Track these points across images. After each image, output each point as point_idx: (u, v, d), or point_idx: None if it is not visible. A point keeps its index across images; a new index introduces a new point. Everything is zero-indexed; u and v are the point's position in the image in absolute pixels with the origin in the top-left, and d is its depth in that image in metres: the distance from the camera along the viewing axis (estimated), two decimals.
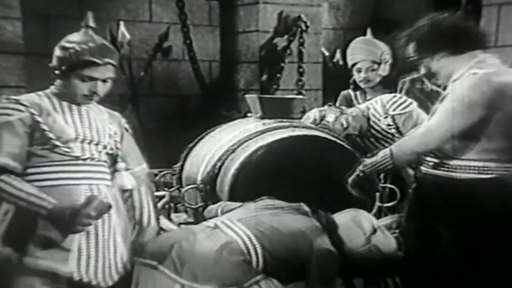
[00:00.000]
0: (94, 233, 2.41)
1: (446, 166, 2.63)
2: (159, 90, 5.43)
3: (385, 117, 3.44)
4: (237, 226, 2.57)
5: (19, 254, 2.33)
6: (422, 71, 2.74)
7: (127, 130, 2.67)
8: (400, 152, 2.71)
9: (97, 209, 2.32)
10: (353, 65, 3.86)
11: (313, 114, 3.75)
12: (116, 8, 5.19)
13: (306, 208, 2.73)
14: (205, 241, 2.50)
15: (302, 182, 3.01)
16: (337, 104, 3.98)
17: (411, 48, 2.70)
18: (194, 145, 3.51)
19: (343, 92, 4.07)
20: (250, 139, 3.17)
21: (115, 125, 2.61)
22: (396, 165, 2.75)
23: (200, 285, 2.40)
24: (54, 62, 2.45)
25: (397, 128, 3.44)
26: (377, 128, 3.48)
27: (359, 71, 3.85)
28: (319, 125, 3.57)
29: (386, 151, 2.74)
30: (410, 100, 3.58)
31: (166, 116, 5.35)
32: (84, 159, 2.43)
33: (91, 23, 2.52)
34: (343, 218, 2.71)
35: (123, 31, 4.95)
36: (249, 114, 3.60)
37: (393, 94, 3.61)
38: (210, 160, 3.21)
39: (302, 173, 3.05)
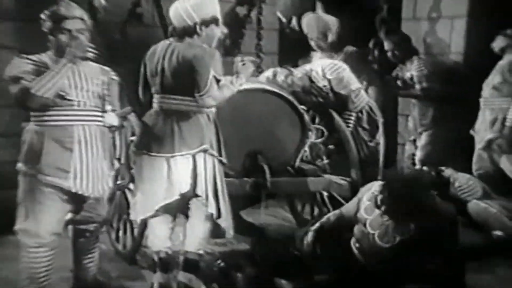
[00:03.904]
0: (85, 159, 3.24)
1: None
2: (135, 54, 5.89)
3: (322, 79, 4.35)
4: None
5: (35, 172, 3.18)
6: None
7: (114, 79, 3.48)
8: None
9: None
10: None
11: (268, 73, 4.59)
12: None
13: None
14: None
15: (253, 123, 3.93)
16: None
17: None
18: None
19: None
20: None
21: (105, 77, 3.45)
22: None
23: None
24: (43, 26, 3.26)
25: (331, 88, 4.37)
26: (316, 87, 4.36)
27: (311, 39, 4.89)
28: (271, 82, 4.36)
29: None
30: (344, 66, 4.49)
31: None
32: (78, 106, 3.21)
33: None
34: None
35: None
36: None
37: (330, 61, 4.52)
38: None
39: (254, 116, 3.94)
